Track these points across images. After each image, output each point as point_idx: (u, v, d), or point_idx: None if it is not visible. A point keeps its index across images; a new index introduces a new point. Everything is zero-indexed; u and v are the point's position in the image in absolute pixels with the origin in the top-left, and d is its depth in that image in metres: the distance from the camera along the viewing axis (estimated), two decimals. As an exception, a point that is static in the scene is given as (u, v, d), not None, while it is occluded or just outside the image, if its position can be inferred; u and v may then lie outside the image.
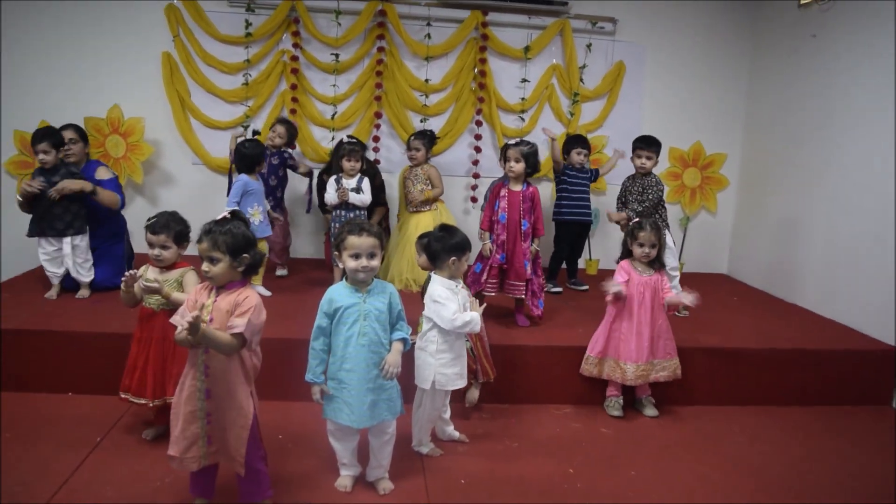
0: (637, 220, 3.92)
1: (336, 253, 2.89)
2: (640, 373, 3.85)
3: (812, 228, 5.35)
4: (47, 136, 4.41)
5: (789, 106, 5.74)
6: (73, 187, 4.38)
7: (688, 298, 3.81)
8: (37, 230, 4.44)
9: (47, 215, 4.41)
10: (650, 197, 4.87)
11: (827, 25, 5.26)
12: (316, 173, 5.65)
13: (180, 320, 2.61)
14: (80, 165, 4.68)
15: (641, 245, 3.83)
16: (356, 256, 2.80)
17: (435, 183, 5.22)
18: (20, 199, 4.42)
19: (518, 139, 4.47)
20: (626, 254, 3.97)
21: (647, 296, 3.82)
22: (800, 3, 5.54)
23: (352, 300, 2.85)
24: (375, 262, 2.85)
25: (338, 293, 2.87)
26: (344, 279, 2.93)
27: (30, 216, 4.48)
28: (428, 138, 5.26)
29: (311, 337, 2.87)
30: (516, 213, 4.33)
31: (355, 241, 2.79)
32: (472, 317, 3.18)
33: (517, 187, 4.37)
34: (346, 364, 2.84)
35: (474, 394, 3.82)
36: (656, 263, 3.90)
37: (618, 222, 4.97)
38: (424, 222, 5.07)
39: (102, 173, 4.71)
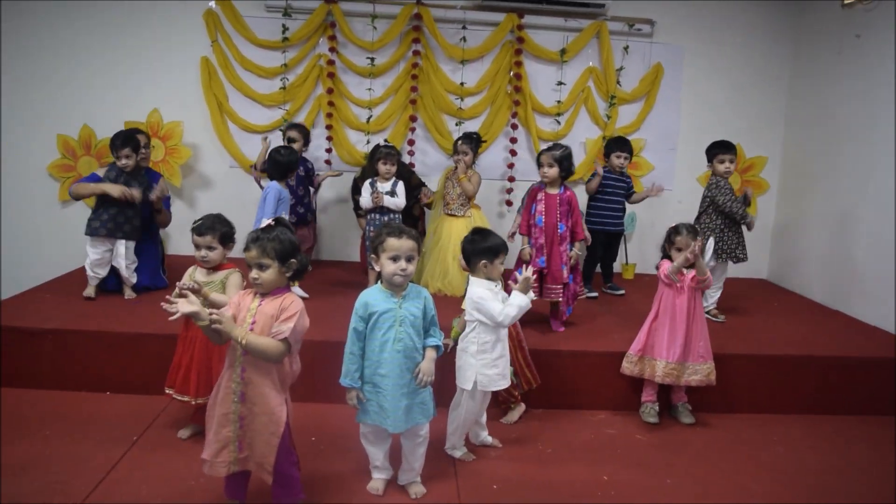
0: (674, 225, 3.86)
1: (373, 256, 2.88)
2: (669, 371, 3.78)
3: (855, 233, 5.22)
4: (129, 140, 4.53)
5: (832, 107, 5.62)
6: (159, 195, 4.62)
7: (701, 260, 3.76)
8: (104, 231, 4.49)
9: (118, 217, 4.50)
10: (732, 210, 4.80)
11: (871, 25, 5.14)
12: (351, 176, 5.67)
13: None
14: (142, 171, 4.79)
15: (680, 250, 3.77)
16: (395, 259, 2.79)
17: (469, 189, 5.12)
18: (91, 192, 4.51)
19: (551, 143, 4.46)
20: (665, 258, 3.91)
21: (685, 297, 3.77)
22: (843, 3, 5.42)
23: (387, 305, 2.84)
24: (413, 267, 2.85)
25: (373, 297, 2.86)
26: (379, 282, 2.92)
27: (81, 216, 4.60)
28: (475, 141, 5.19)
29: (346, 340, 2.87)
30: (553, 217, 4.31)
31: (395, 243, 2.78)
32: (520, 302, 3.15)
33: (554, 191, 4.35)
34: (381, 369, 2.83)
35: (513, 415, 3.80)
36: (691, 267, 3.84)
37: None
38: (458, 229, 5.05)
39: (165, 189, 4.82)
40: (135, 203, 4.50)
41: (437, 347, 2.95)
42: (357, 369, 2.85)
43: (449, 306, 3.53)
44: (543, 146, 4.43)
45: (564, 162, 4.32)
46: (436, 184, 5.64)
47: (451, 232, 5.07)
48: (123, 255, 4.56)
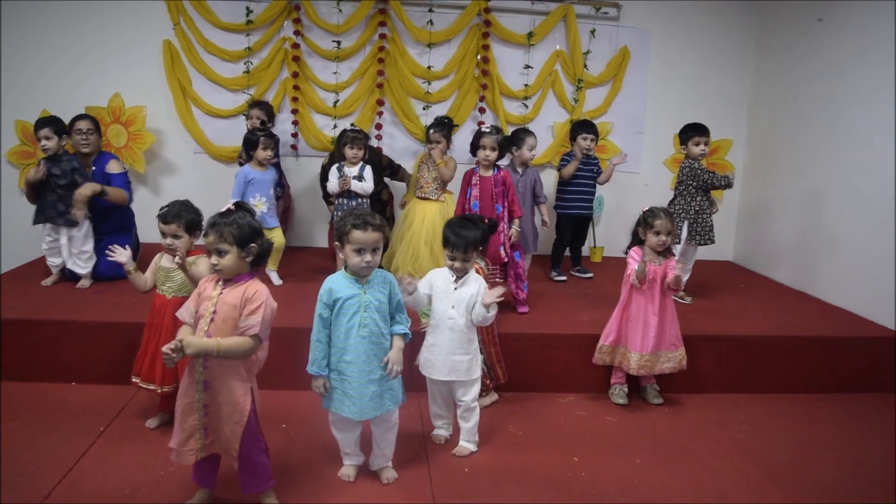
0: (649, 208, 3.87)
1: (338, 244, 2.85)
2: (643, 363, 3.81)
3: (820, 214, 5.30)
4: (50, 122, 4.43)
5: (795, 91, 5.69)
6: (85, 193, 4.40)
7: (680, 270, 3.77)
8: (41, 218, 4.45)
9: (47, 204, 4.42)
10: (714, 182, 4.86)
11: (833, 8, 5.20)
12: (319, 162, 5.63)
13: (186, 316, 2.63)
14: (93, 157, 4.68)
15: (658, 233, 3.77)
16: (359, 251, 2.76)
17: (446, 174, 5.08)
18: (26, 187, 4.44)
19: (490, 126, 4.49)
20: (636, 242, 3.92)
21: (656, 286, 3.78)
22: (807, -13, 5.49)
23: (351, 291, 2.81)
24: (378, 257, 2.83)
25: (337, 283, 2.84)
26: (343, 268, 2.90)
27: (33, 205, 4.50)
28: (447, 126, 5.13)
29: (312, 328, 2.84)
30: (489, 199, 4.35)
31: (360, 236, 2.74)
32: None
33: (488, 173, 4.38)
34: (346, 356, 2.81)
35: (484, 401, 3.79)
36: (667, 251, 3.86)
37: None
38: (431, 213, 5.03)
39: (113, 167, 4.72)
40: (62, 186, 4.40)
41: (404, 335, 2.93)
42: (324, 357, 2.83)
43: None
44: (479, 129, 4.51)
45: (504, 147, 4.44)
46: (408, 167, 5.62)
47: (423, 216, 5.03)
48: (66, 244, 4.49)
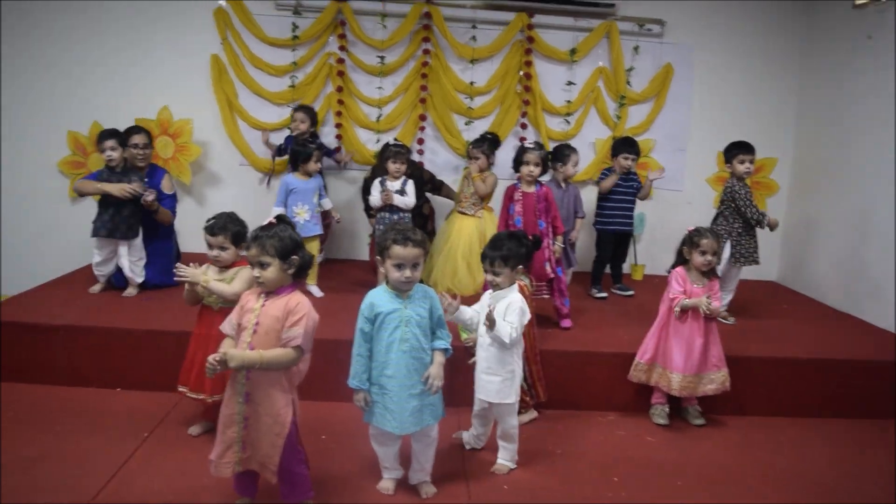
0: (695, 227, 3.83)
1: (379, 258, 2.86)
2: (685, 384, 3.76)
3: (867, 235, 5.20)
4: (114, 133, 4.53)
5: (842, 108, 5.59)
6: (151, 207, 4.53)
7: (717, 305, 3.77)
8: (104, 231, 4.51)
9: (115, 217, 4.50)
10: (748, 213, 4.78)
11: (883, 26, 5.11)
12: (361, 176, 5.68)
13: (228, 329, 2.66)
14: (146, 168, 4.78)
15: (704, 252, 3.73)
16: (399, 267, 2.78)
17: (480, 188, 5.09)
18: (94, 191, 4.51)
19: (533, 142, 4.53)
20: (681, 261, 3.88)
21: (699, 308, 3.73)
22: (855, 4, 5.39)
23: (393, 306, 2.82)
24: (418, 273, 2.83)
25: (378, 298, 2.85)
26: (385, 283, 2.90)
27: (91, 214, 4.59)
28: (488, 143, 5.09)
29: (353, 342, 2.86)
30: (532, 215, 4.34)
31: (400, 251, 2.75)
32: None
33: (531, 189, 4.38)
34: (387, 370, 2.82)
35: (523, 417, 3.78)
36: (712, 272, 3.82)
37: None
38: (468, 228, 5.04)
39: (166, 186, 4.82)
40: (136, 200, 4.48)
41: (444, 350, 2.92)
42: (364, 371, 2.84)
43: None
44: (521, 145, 4.54)
45: (546, 162, 4.44)
46: (449, 181, 5.66)
47: (460, 231, 5.05)
48: (126, 254, 4.57)
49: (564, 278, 4.48)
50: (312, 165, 4.73)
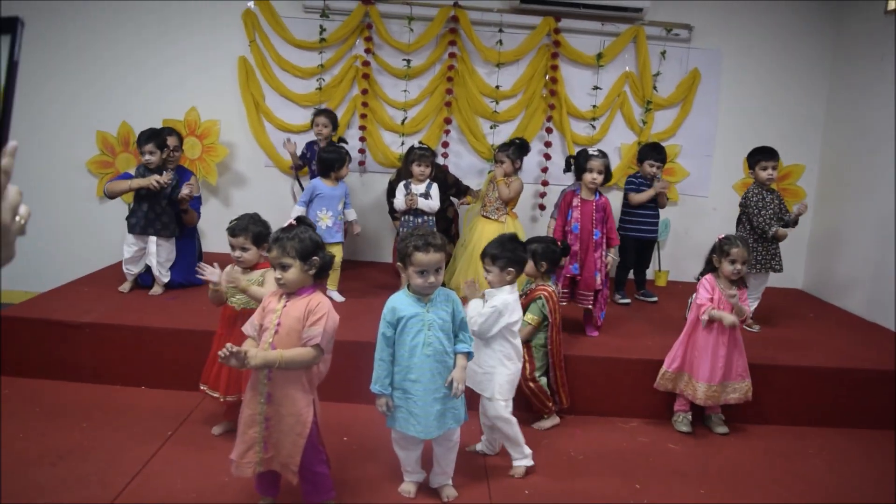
0: (725, 235, 3.80)
1: (400, 265, 2.86)
2: (710, 393, 3.73)
3: (892, 243, 5.12)
4: (154, 136, 4.58)
5: (871, 115, 5.52)
6: (186, 195, 4.56)
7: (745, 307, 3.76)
8: (138, 228, 4.58)
9: (149, 214, 4.57)
10: (784, 209, 4.75)
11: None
12: (386, 178, 5.70)
13: (250, 330, 2.68)
14: (174, 169, 4.82)
15: (734, 261, 3.70)
16: (422, 273, 2.76)
17: (503, 192, 5.07)
18: (128, 189, 4.55)
19: (597, 150, 4.42)
20: (709, 269, 3.85)
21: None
22: (887, 10, 5.33)
23: (415, 310, 2.81)
24: (441, 277, 2.82)
25: (400, 302, 2.84)
26: (406, 286, 2.90)
27: (123, 214, 4.67)
28: (515, 148, 5.05)
29: (376, 346, 2.85)
30: (589, 223, 4.30)
31: (422, 258, 2.73)
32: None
33: (590, 197, 4.33)
34: (411, 374, 2.81)
35: (544, 423, 3.79)
36: (740, 281, 3.79)
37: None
38: (489, 233, 5.02)
39: (196, 188, 4.84)
40: (170, 198, 4.54)
41: (467, 354, 2.91)
42: (387, 375, 2.83)
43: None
44: (585, 151, 4.46)
45: (609, 171, 4.37)
46: (474, 185, 5.66)
47: (482, 235, 5.04)
48: (155, 252, 4.62)
49: (606, 291, 4.44)
50: (344, 171, 4.77)
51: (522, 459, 3.27)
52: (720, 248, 3.76)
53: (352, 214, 4.95)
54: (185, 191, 4.55)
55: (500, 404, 3.19)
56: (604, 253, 4.33)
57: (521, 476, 3.23)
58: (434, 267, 2.76)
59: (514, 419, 3.22)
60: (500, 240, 3.33)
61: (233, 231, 3.23)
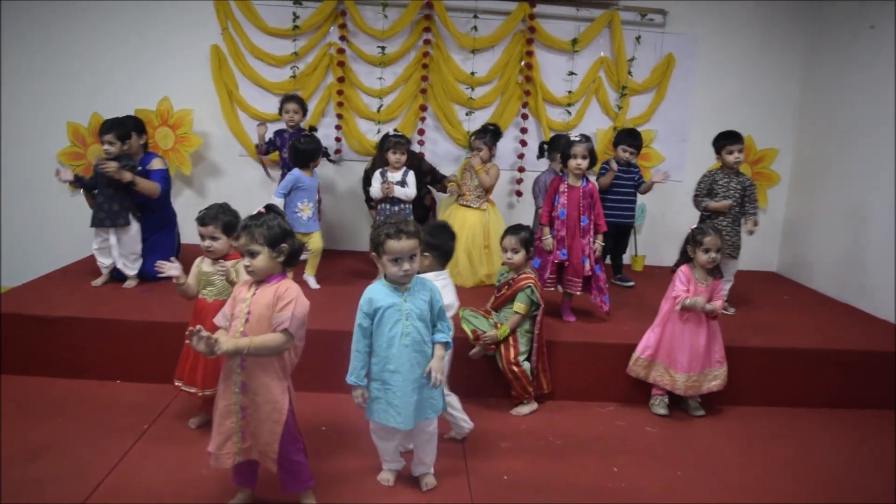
0: (697, 225, 3.82)
1: (374, 254, 2.80)
2: (691, 384, 3.78)
3: (868, 225, 5.19)
4: (115, 127, 4.52)
5: (845, 99, 5.57)
6: (109, 170, 4.41)
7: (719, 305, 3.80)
8: (97, 221, 4.53)
9: (104, 206, 4.52)
10: (750, 194, 4.77)
11: (886, 16, 5.08)
12: (362, 166, 5.67)
13: (221, 321, 2.66)
14: (138, 157, 4.77)
15: (707, 250, 3.72)
16: (396, 261, 2.70)
17: (485, 181, 5.08)
18: (79, 180, 4.54)
19: (580, 135, 4.40)
20: (685, 259, 3.88)
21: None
22: (859, -6, 5.38)
23: (392, 300, 2.76)
24: (416, 265, 2.77)
25: (377, 293, 2.79)
26: (383, 277, 2.84)
27: (89, 208, 4.62)
28: (490, 134, 5.11)
29: (352, 337, 2.81)
30: (575, 210, 4.30)
31: (394, 245, 2.67)
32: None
33: (577, 183, 4.33)
34: (389, 365, 2.77)
35: (523, 409, 3.82)
36: (716, 271, 3.81)
37: (720, 209, 4.74)
38: (471, 221, 5.03)
39: (155, 164, 4.79)
40: (127, 189, 4.50)
41: (445, 343, 2.88)
42: (363, 367, 2.79)
43: (461, 297, 3.52)
44: (567, 137, 4.46)
45: (593, 154, 4.35)
46: (445, 172, 5.63)
47: (464, 223, 5.04)
48: (116, 245, 4.57)
49: (603, 276, 4.43)
50: (318, 161, 4.75)
51: (465, 427, 3.40)
52: (693, 239, 3.79)
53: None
54: (109, 166, 4.40)
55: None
56: (591, 240, 4.33)
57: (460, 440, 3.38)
58: (408, 254, 2.70)
59: (454, 394, 3.37)
60: (432, 227, 3.37)
61: (202, 220, 3.21)
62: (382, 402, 2.80)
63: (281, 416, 2.61)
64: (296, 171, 4.69)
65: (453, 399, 3.36)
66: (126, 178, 4.48)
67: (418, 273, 2.91)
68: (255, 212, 2.69)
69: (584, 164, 4.27)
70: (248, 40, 5.81)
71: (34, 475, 2.89)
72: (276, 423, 2.61)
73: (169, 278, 3.16)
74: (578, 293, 4.36)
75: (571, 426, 3.70)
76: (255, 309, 2.59)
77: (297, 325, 2.59)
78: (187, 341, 2.44)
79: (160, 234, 4.82)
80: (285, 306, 2.55)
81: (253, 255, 2.59)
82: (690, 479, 3.22)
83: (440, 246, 3.27)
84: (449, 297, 3.20)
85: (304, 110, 5.40)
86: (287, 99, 5.37)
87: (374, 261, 2.82)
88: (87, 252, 5.00)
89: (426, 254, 3.17)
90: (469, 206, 5.11)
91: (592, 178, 4.95)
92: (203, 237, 3.21)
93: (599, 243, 4.37)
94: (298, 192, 4.66)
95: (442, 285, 3.16)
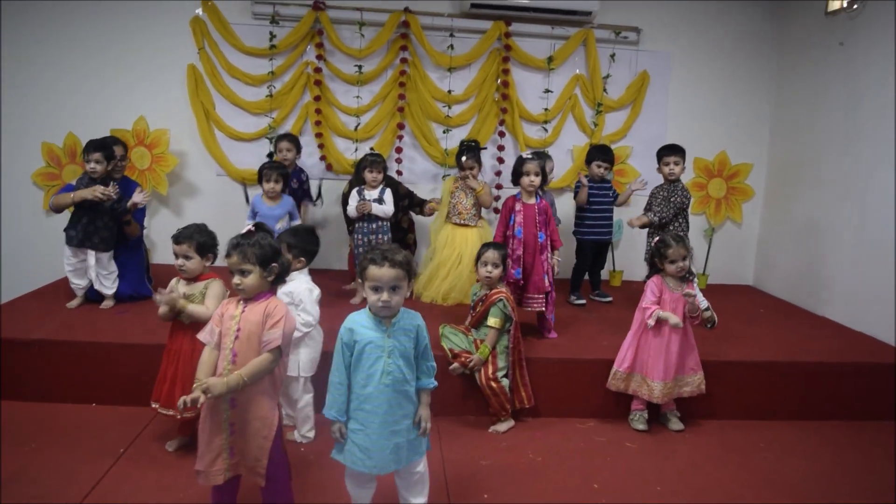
0: (661, 238, 3.86)
1: (359, 280, 2.68)
2: (666, 391, 3.80)
3: (840, 239, 5.26)
4: (102, 147, 4.48)
5: (816, 115, 5.67)
6: (138, 202, 4.51)
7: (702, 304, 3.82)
8: (76, 241, 4.46)
9: (89, 227, 4.46)
10: (674, 202, 4.84)
11: (855, 33, 5.19)
12: (341, 185, 5.66)
13: (208, 337, 2.65)
14: (118, 180, 4.72)
15: (673, 261, 3.76)
16: (376, 289, 2.50)
17: (487, 200, 5.16)
18: (71, 202, 4.43)
19: (531, 152, 4.49)
20: (654, 271, 3.91)
21: (679, 313, 3.76)
22: (827, 11, 5.48)
23: (374, 334, 2.54)
24: (398, 298, 2.54)
25: (359, 324, 2.57)
26: (368, 308, 2.63)
27: (64, 226, 4.53)
28: (477, 151, 5.16)
29: (331, 367, 2.60)
30: (532, 227, 4.31)
31: (375, 272, 2.48)
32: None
33: (531, 200, 4.36)
34: (366, 404, 2.54)
35: (501, 426, 3.81)
36: (687, 274, 3.85)
37: (641, 227, 4.92)
38: (473, 239, 5.00)
39: (136, 197, 4.73)
40: (111, 212, 4.45)
41: (430, 390, 2.70)
42: (344, 401, 2.56)
43: (464, 314, 3.54)
44: (520, 156, 4.47)
45: (545, 171, 4.41)
46: (423, 190, 5.63)
47: (465, 242, 5.03)
48: (94, 265, 4.52)
49: (553, 292, 4.46)
50: (265, 185, 4.74)
51: (310, 431, 3.52)
52: (658, 251, 3.83)
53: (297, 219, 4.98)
54: (136, 198, 4.48)
55: (301, 381, 3.43)
56: (549, 255, 4.36)
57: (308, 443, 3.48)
58: (389, 284, 2.48)
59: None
60: (295, 230, 3.50)
61: (177, 238, 3.21)
62: (354, 445, 2.57)
63: (270, 433, 2.61)
64: (255, 197, 4.82)
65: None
66: (126, 216, 4.53)
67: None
68: (244, 230, 2.71)
69: (537, 181, 4.31)
70: (225, 59, 5.80)
71: (10, 500, 2.84)
72: (266, 438, 2.60)
73: (150, 294, 3.16)
74: (542, 309, 4.36)
75: (552, 442, 3.70)
76: (245, 326, 2.59)
77: (286, 343, 2.61)
78: (181, 410, 2.47)
79: (129, 254, 4.77)
80: (276, 324, 2.56)
81: (244, 273, 2.59)
82: (671, 493, 3.23)
83: (299, 246, 3.38)
84: (312, 308, 3.33)
85: (298, 148, 5.40)
86: (280, 138, 5.41)
87: (358, 287, 2.76)
88: (60, 273, 4.94)
89: (301, 258, 3.32)
90: (467, 225, 5.10)
91: (563, 195, 5.00)
92: (177, 255, 3.21)
93: (557, 259, 4.39)
94: (255, 215, 4.75)
95: (308, 289, 3.26)
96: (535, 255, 4.30)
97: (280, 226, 4.70)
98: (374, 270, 2.48)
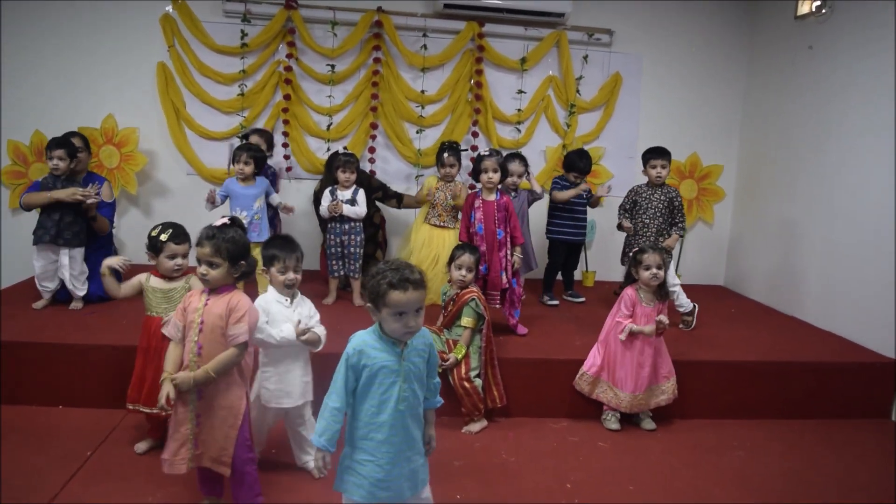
0: (638, 248, 3.88)
1: (370, 305, 2.29)
2: (637, 402, 3.85)
3: (810, 240, 5.33)
4: (64, 144, 4.42)
5: (786, 117, 5.74)
6: (90, 202, 4.38)
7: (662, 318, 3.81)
8: (48, 237, 4.37)
9: (60, 224, 4.38)
10: (677, 206, 4.92)
11: (824, 37, 5.26)
12: (311, 184, 5.62)
13: (174, 332, 2.64)
14: (82, 175, 4.65)
15: (648, 268, 3.78)
16: (399, 315, 2.22)
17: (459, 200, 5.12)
18: (46, 201, 4.34)
19: (489, 149, 4.56)
20: (629, 280, 3.93)
21: (652, 324, 3.78)
22: (796, 15, 5.55)
23: (387, 358, 2.27)
24: (421, 319, 2.30)
25: (370, 346, 2.28)
26: (377, 326, 2.33)
27: (32, 225, 4.45)
28: (458, 151, 5.17)
29: (329, 389, 2.31)
30: (492, 223, 4.34)
31: (399, 298, 2.19)
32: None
33: (491, 197, 4.39)
34: (377, 433, 2.27)
35: (474, 427, 3.80)
36: (662, 290, 3.86)
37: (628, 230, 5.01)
38: (450, 241, 4.95)
39: (106, 194, 4.67)
40: (79, 207, 4.38)
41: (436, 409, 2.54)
42: (339, 429, 2.30)
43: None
44: (479, 154, 4.53)
45: (504, 168, 4.47)
46: (397, 190, 5.60)
47: (443, 243, 5.00)
48: (67, 265, 4.44)
49: (519, 290, 4.47)
50: (235, 166, 4.63)
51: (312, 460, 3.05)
52: (634, 259, 3.86)
53: (276, 199, 4.88)
54: (102, 193, 4.43)
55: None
56: (508, 252, 4.37)
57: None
58: (414, 307, 2.24)
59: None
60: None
61: (176, 238, 3.11)
62: (361, 477, 2.28)
63: (237, 421, 2.64)
64: (228, 180, 4.69)
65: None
66: (92, 211, 4.44)
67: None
68: (218, 222, 2.70)
69: (496, 177, 4.36)
70: (196, 57, 5.74)
71: (-30, 507, 2.79)
72: (232, 427, 2.63)
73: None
74: (497, 306, 4.38)
75: (524, 442, 3.70)
76: (207, 318, 2.62)
77: (251, 335, 2.66)
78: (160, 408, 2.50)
79: (99, 253, 4.68)
80: (240, 319, 2.60)
81: (213, 266, 2.62)
82: (643, 493, 3.24)
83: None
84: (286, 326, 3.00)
85: (270, 144, 5.36)
86: (252, 132, 5.37)
87: (371, 314, 2.32)
88: (27, 273, 4.85)
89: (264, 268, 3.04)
90: (446, 227, 5.08)
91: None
92: (175, 255, 3.11)
93: (518, 256, 4.41)
94: (233, 200, 4.62)
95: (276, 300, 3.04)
96: (493, 252, 4.32)
97: (258, 205, 4.63)
98: (397, 297, 2.20)
